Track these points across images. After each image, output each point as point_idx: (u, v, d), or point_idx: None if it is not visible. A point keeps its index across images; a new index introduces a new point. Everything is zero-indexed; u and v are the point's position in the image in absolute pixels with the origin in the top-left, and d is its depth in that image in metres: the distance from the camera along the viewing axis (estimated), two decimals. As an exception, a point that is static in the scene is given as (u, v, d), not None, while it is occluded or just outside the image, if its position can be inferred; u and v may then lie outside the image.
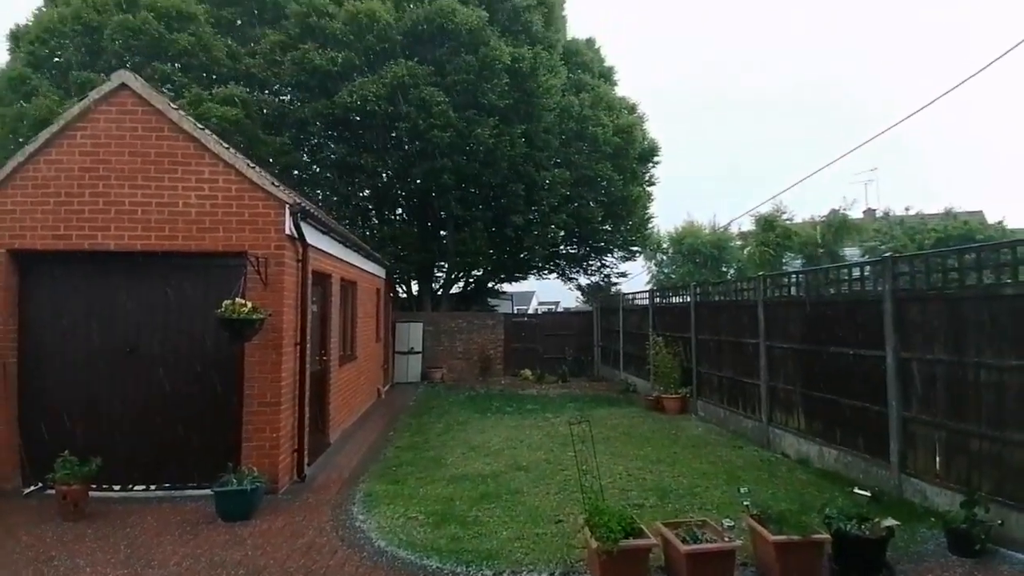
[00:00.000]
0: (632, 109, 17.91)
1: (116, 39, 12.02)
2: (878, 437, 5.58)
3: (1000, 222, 19.27)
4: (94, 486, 5.19)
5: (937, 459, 4.94)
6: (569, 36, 17.52)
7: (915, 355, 5.22)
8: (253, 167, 6.05)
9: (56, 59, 12.91)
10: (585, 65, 17.30)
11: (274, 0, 13.53)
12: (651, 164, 18.43)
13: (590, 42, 18.60)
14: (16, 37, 13.38)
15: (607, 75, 18.38)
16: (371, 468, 6.71)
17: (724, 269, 20.88)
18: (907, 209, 22.17)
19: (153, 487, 5.67)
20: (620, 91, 18.36)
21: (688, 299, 10.42)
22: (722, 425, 8.86)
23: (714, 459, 6.91)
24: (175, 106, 6.17)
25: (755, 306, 8.04)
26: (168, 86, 12.19)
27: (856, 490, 5.31)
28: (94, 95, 5.76)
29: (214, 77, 13.15)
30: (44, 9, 13.74)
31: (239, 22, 13.92)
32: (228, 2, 13.50)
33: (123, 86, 5.72)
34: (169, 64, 12.52)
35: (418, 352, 15.01)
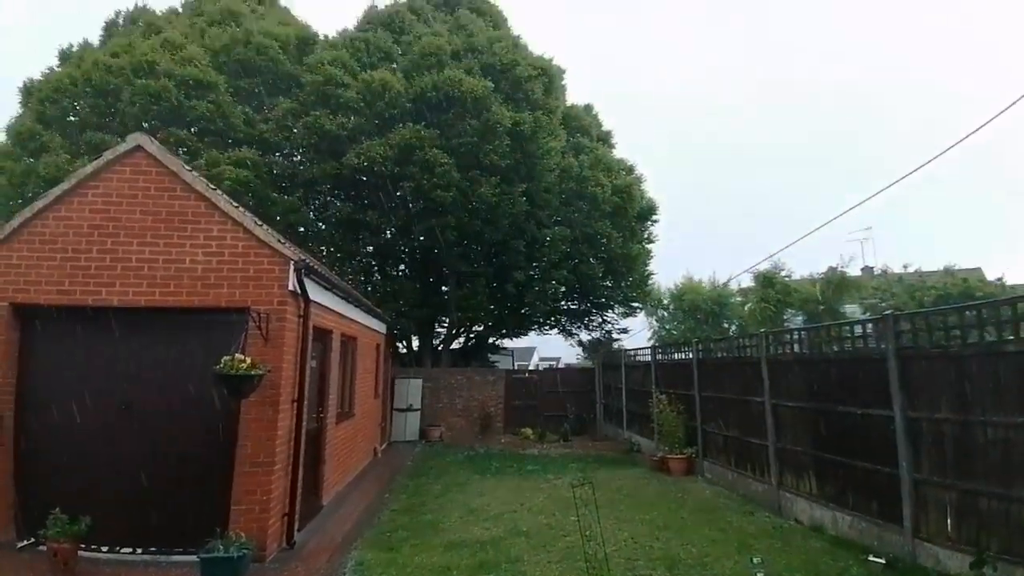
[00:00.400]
0: (630, 170, 18.48)
1: (135, 103, 12.58)
2: (890, 501, 5.39)
3: (999, 279, 19.41)
4: (83, 546, 5.04)
5: (948, 521, 4.81)
6: (568, 103, 18.37)
7: (923, 414, 5.14)
8: (260, 224, 6.18)
9: (70, 118, 13.43)
10: (584, 129, 18.03)
11: (289, 71, 14.30)
12: (650, 222, 18.82)
13: (588, 108, 19.47)
14: (28, 92, 13.86)
15: (605, 138, 19.11)
16: (365, 534, 6.42)
17: (725, 325, 20.86)
18: (905, 267, 22.40)
19: (140, 551, 5.42)
20: (618, 153, 19.03)
21: (691, 355, 10.32)
22: (731, 488, 8.54)
23: (724, 525, 6.61)
24: (188, 167, 6.39)
25: (759, 363, 7.95)
26: (182, 149, 12.66)
27: (871, 557, 5.07)
28: (108, 155, 5.96)
29: (229, 141, 13.69)
30: (58, 68, 14.45)
31: (257, 90, 14.68)
32: (247, 72, 14.27)
33: (138, 148, 5.93)
34: (185, 129, 13.06)
35: (417, 409, 14.73)
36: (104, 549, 5.38)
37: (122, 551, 5.42)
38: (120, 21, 16.22)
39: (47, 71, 14.40)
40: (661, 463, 9.99)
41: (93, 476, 5.52)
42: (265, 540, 5.36)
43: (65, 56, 14.98)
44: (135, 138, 6.01)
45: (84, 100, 13.18)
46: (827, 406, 6.47)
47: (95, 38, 15.83)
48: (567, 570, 5.09)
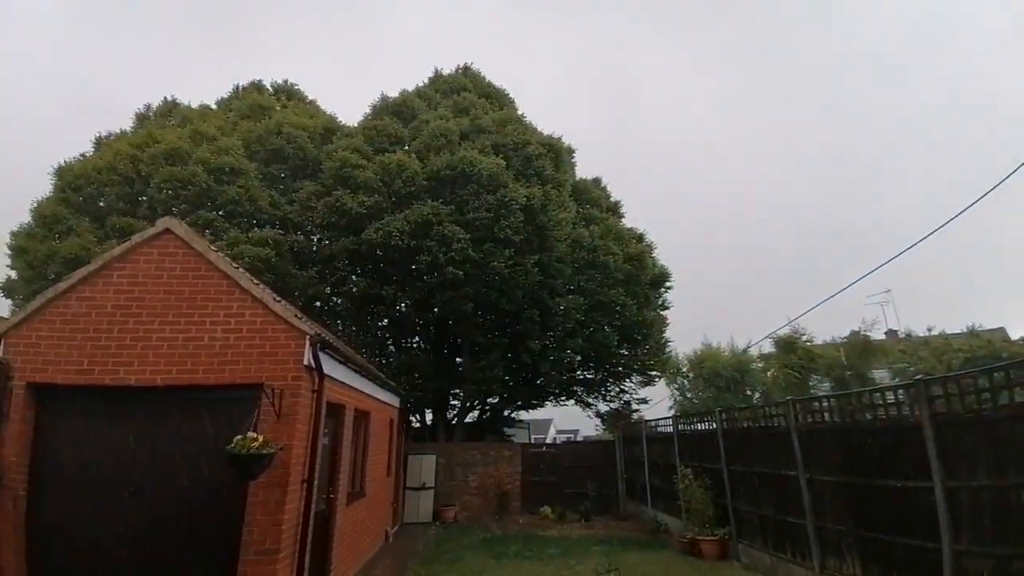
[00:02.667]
0: (640, 238, 18.76)
1: (165, 189, 13.29)
2: (936, 578, 4.97)
3: (1023, 338, 18.80)
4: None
5: None
6: (578, 176, 19.06)
7: (960, 483, 4.90)
8: (279, 300, 6.29)
9: (99, 203, 14.11)
10: (593, 201, 18.55)
11: (315, 157, 15.20)
12: (663, 288, 18.82)
13: (597, 181, 20.14)
14: (61, 174, 14.54)
15: (614, 209, 19.59)
16: (374, 629, 5.95)
17: (748, 393, 20.18)
18: (929, 329, 21.86)
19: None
20: (627, 222, 19.42)
21: (714, 425, 9.91)
22: (770, 574, 7.87)
23: (765, 617, 6.02)
24: (214, 248, 6.62)
25: (788, 433, 7.58)
26: (209, 231, 13.22)
27: None
28: (137, 238, 6.21)
29: (255, 222, 14.30)
30: (92, 152, 15.36)
31: (283, 175, 15.51)
32: (275, 159, 15.18)
33: (167, 231, 6.19)
34: (214, 212, 13.70)
35: (430, 488, 14.15)
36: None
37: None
38: (151, 114, 17.50)
39: (81, 156, 15.34)
40: (692, 545, 9.32)
41: (102, 559, 5.36)
42: (268, 637, 4.99)
43: (100, 143, 16.06)
44: (164, 222, 6.29)
45: (111, 187, 13.89)
46: (865, 479, 6.09)
47: (128, 127, 17.03)
48: (595, 672, 4.62)
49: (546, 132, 17.44)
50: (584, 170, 20.56)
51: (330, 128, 16.25)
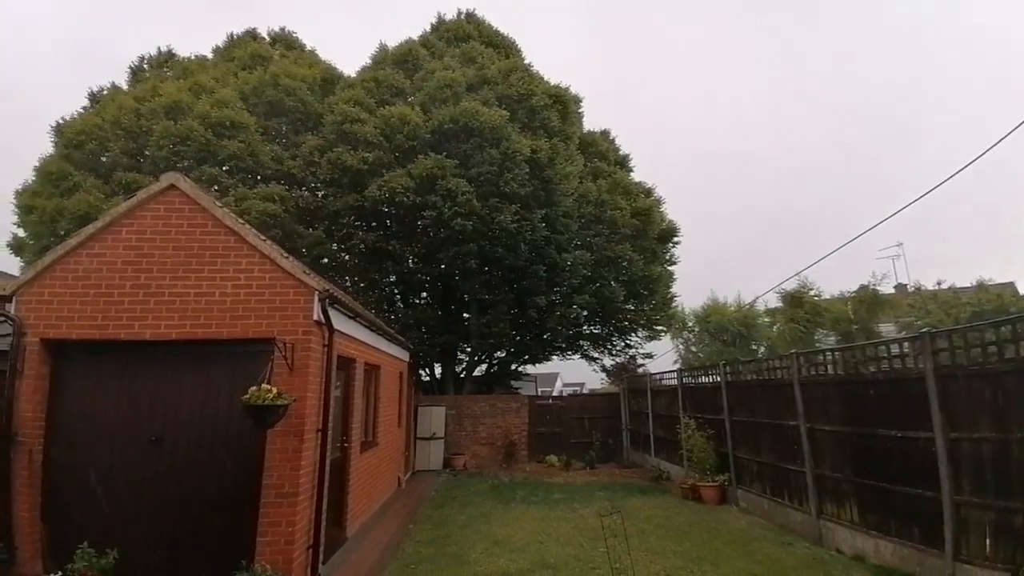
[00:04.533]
0: (648, 193, 18.48)
1: (164, 146, 13.13)
2: (932, 525, 5.19)
3: (1035, 292, 18.62)
4: (109, 580, 5.02)
5: (987, 541, 4.66)
6: (585, 129, 18.57)
7: (963, 434, 4.97)
8: (286, 257, 6.32)
9: (103, 159, 14.01)
10: (601, 154, 18.16)
11: (317, 110, 14.85)
12: (671, 244, 18.68)
13: (605, 133, 19.65)
14: (60, 131, 14.41)
15: (623, 163, 19.20)
16: (389, 566, 6.32)
17: (753, 347, 20.34)
18: (939, 283, 21.64)
19: (165, 585, 5.41)
20: (636, 176, 19.08)
21: (719, 379, 10.06)
22: (767, 517, 8.18)
23: (762, 557, 6.31)
24: (220, 204, 6.60)
25: (791, 385, 7.70)
26: (215, 187, 13.14)
27: None
28: (142, 194, 6.20)
29: (258, 178, 14.16)
30: (87, 108, 15.13)
31: (284, 129, 15.23)
32: (275, 113, 14.85)
33: (172, 186, 6.16)
34: (217, 167, 13.57)
35: (440, 438, 14.61)
36: (132, 582, 5.37)
37: (150, 585, 5.40)
38: (146, 66, 17.04)
39: (80, 111, 15.11)
40: (692, 491, 9.66)
41: (121, 509, 5.57)
42: (290, 573, 5.31)
43: (94, 98, 15.73)
44: (169, 177, 6.25)
45: (114, 142, 13.74)
46: (866, 429, 6.22)
47: (122, 80, 16.66)
48: (597, 605, 4.90)
49: (553, 82, 16.89)
50: (594, 122, 20.04)
51: (329, 78, 15.78)
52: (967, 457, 4.92)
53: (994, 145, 8.51)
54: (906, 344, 6.01)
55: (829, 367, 7.24)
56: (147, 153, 13.66)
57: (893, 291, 21.72)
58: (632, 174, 19.03)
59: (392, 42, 17.13)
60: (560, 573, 5.86)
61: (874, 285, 18.14)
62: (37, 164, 14.19)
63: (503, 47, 17.44)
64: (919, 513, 5.39)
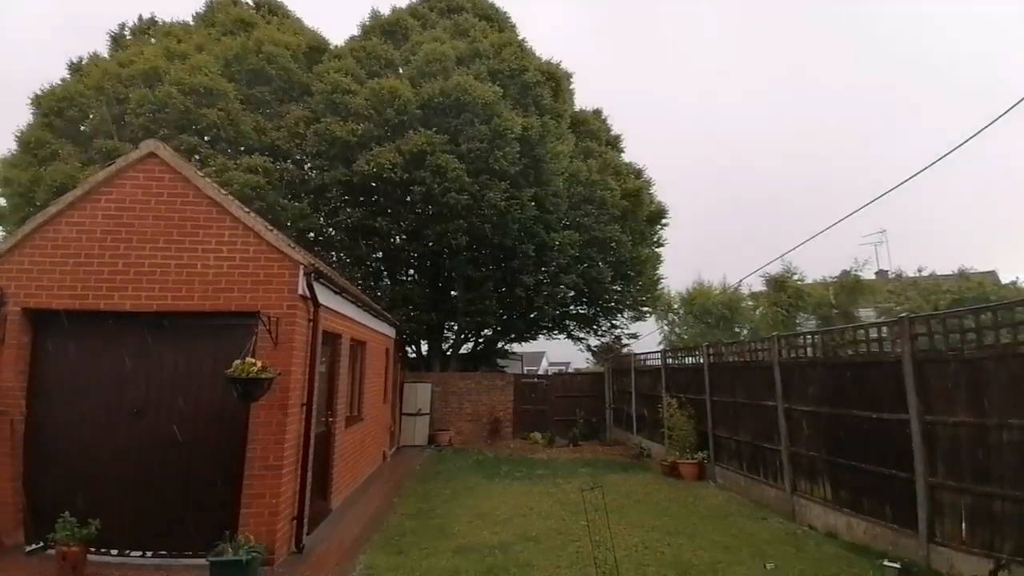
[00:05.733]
0: (639, 174, 18.44)
1: (141, 113, 12.75)
2: (905, 506, 5.33)
3: (1014, 281, 19.05)
4: (93, 549, 5.06)
5: (963, 525, 4.77)
6: (577, 107, 18.38)
7: (938, 418, 5.07)
8: (271, 230, 6.23)
9: (81, 127, 13.61)
10: (592, 133, 18.02)
11: (301, 80, 14.45)
12: (659, 226, 18.74)
13: (597, 112, 19.47)
14: (40, 102, 13.96)
15: (614, 143, 19.09)
16: (373, 538, 6.41)
17: (737, 330, 20.63)
18: (920, 270, 22.03)
19: (150, 554, 5.45)
20: (627, 157, 19.00)
21: (701, 360, 10.23)
22: (743, 493, 8.42)
23: (736, 531, 6.51)
24: (201, 174, 6.46)
25: (771, 367, 7.85)
26: (195, 157, 12.83)
27: (886, 563, 4.98)
28: (122, 161, 6.04)
29: (241, 149, 13.83)
30: (68, 77, 14.64)
31: (268, 98, 14.84)
32: (258, 81, 14.43)
33: (152, 154, 6.01)
34: (196, 137, 13.21)
35: (426, 414, 14.72)
36: (114, 552, 5.39)
37: (131, 555, 5.44)
38: (127, 33, 16.43)
39: (59, 82, 14.60)
40: (672, 468, 9.89)
41: (103, 480, 5.55)
42: (274, 544, 5.37)
43: (75, 68, 15.19)
44: (148, 145, 6.09)
45: (95, 109, 13.33)
46: (842, 410, 6.38)
47: (104, 51, 16.07)
48: (577, 575, 5.04)
49: (544, 58, 16.62)
50: (585, 101, 19.82)
51: (315, 47, 15.33)
52: (942, 441, 5.01)
53: (974, 135, 8.60)
54: (884, 328, 6.14)
55: (809, 350, 7.38)
56: (126, 121, 13.27)
57: (874, 277, 22.08)
58: (623, 155, 18.96)
59: (382, 10, 16.68)
60: (542, 545, 6.00)
61: (856, 271, 18.42)
62: (17, 135, 13.80)
63: (496, 20, 17.09)
64: (893, 493, 5.53)
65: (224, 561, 4.72)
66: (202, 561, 4.93)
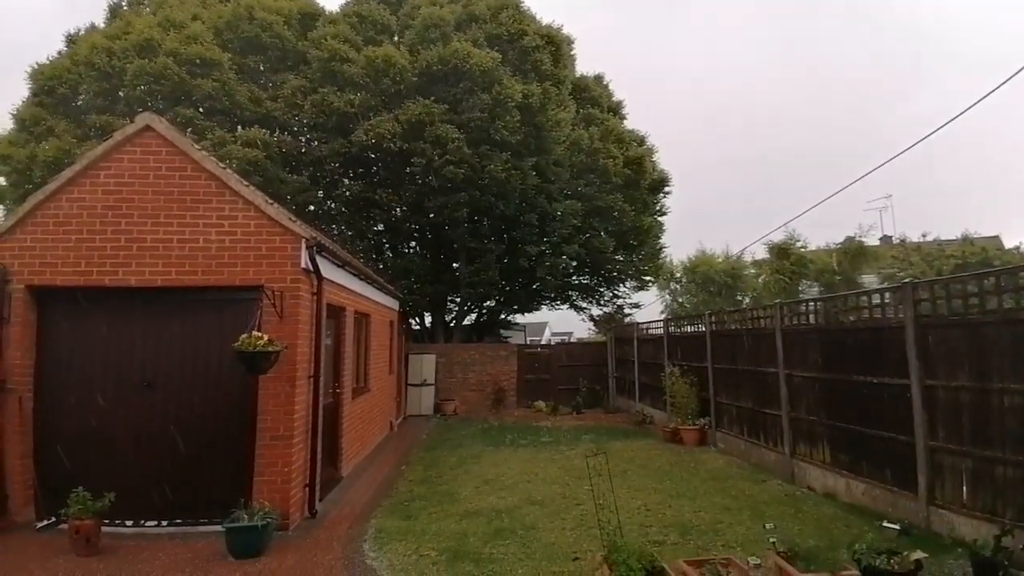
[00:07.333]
0: (641, 141, 18.16)
1: (137, 85, 12.53)
2: (905, 468, 5.41)
3: (1018, 246, 18.99)
4: (107, 521, 5.15)
5: (964, 488, 4.82)
6: (578, 73, 17.97)
7: (940, 382, 5.10)
8: (271, 203, 6.20)
9: (74, 103, 13.43)
10: (594, 100, 17.67)
11: (296, 47, 14.11)
12: (662, 194, 18.56)
13: (598, 78, 19.05)
14: (35, 77, 13.79)
15: (616, 109, 18.73)
16: (383, 503, 6.60)
17: (739, 298, 20.68)
18: (924, 236, 21.91)
19: (165, 523, 5.62)
20: (629, 124, 18.68)
21: (703, 328, 10.28)
22: (743, 457, 8.59)
23: (736, 493, 6.67)
24: (198, 147, 6.39)
25: (773, 334, 7.90)
26: (190, 129, 12.66)
27: (885, 523, 5.10)
28: (118, 136, 5.97)
29: (236, 120, 13.63)
30: (63, 51, 14.37)
31: (262, 68, 14.53)
32: (252, 50, 14.11)
33: (148, 128, 5.94)
34: (192, 108, 13.01)
35: (431, 384, 14.93)
36: (128, 524, 5.53)
37: (146, 524, 5.59)
38: (124, 3, 16.04)
39: (56, 55, 14.34)
40: (673, 434, 10.06)
41: (115, 454, 5.65)
42: (288, 509, 5.54)
43: (72, 40, 14.92)
44: (144, 118, 6.01)
45: (88, 84, 13.12)
46: (843, 376, 6.44)
47: (101, 21, 15.71)
48: (581, 537, 5.20)
49: (544, 21, 16.15)
50: (586, 65, 19.36)
51: (308, 13, 14.93)
52: (943, 405, 5.05)
53: (980, 100, 8.41)
54: (887, 294, 6.14)
55: (811, 317, 7.41)
56: (120, 94, 13.06)
57: (879, 243, 21.98)
58: (625, 122, 18.63)
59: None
60: (547, 509, 6.17)
61: (860, 237, 18.34)
62: (13, 112, 13.64)
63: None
64: (892, 456, 5.61)
65: (240, 527, 4.87)
66: (218, 528, 5.10)
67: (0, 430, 5.55)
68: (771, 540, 4.04)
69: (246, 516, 4.95)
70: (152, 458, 5.68)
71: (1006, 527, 4.08)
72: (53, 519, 5.50)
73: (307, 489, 5.99)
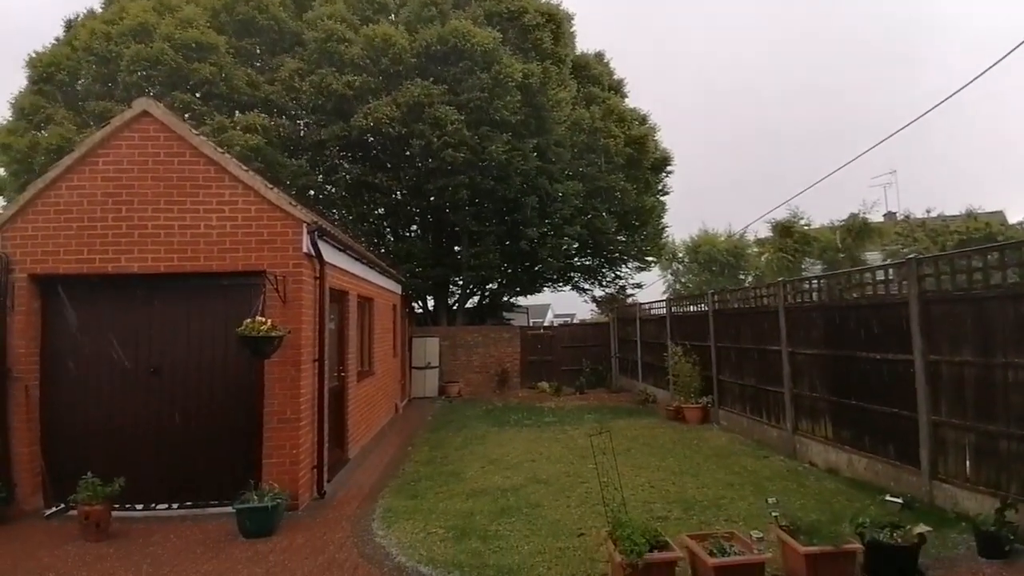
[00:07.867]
0: (643, 120, 17.94)
1: (134, 70, 12.40)
2: (908, 443, 5.44)
3: (1022, 221, 18.81)
4: (116, 506, 5.22)
5: (967, 463, 4.84)
6: (578, 51, 17.68)
7: (943, 358, 5.10)
8: (271, 188, 6.17)
9: (71, 89, 13.31)
10: (595, 79, 17.42)
11: (292, 29, 13.89)
12: (664, 174, 18.40)
13: (599, 56, 18.75)
14: (33, 64, 13.69)
15: (617, 88, 18.47)
16: (390, 483, 6.69)
17: (742, 276, 20.65)
18: (928, 211, 21.69)
19: (175, 505, 5.72)
20: (631, 102, 18.43)
21: (706, 307, 10.28)
22: (746, 434, 8.67)
23: (739, 469, 6.75)
24: (196, 132, 6.34)
25: (776, 312, 7.90)
26: (188, 114, 12.54)
27: (888, 498, 5.14)
28: (116, 122, 5.93)
29: (234, 105, 13.49)
30: (60, 37, 14.20)
31: (258, 51, 14.32)
32: (248, 32, 13.89)
33: (145, 113, 5.89)
34: (189, 93, 12.87)
35: (435, 367, 15.02)
36: (139, 507, 5.61)
37: (157, 508, 5.68)
38: None
39: (54, 41, 14.19)
40: (676, 412, 10.14)
41: (123, 440, 5.70)
42: (297, 490, 5.63)
43: (70, 26, 14.73)
44: (141, 103, 5.96)
45: (85, 70, 13.00)
46: (846, 352, 6.45)
47: (99, 6, 15.45)
48: (586, 513, 5.27)
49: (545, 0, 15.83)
50: (586, 43, 19.02)
51: None
52: (946, 380, 5.06)
53: (978, 76, 8.26)
54: (891, 271, 6.11)
55: (814, 294, 7.40)
56: (118, 80, 12.93)
57: (883, 219, 21.81)
58: (626, 100, 18.39)
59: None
60: (552, 487, 6.25)
61: (864, 213, 18.19)
62: (12, 101, 13.54)
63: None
64: (895, 432, 5.65)
65: (251, 507, 4.96)
66: (228, 509, 5.19)
67: (6, 419, 5.60)
68: (773, 514, 4.09)
69: (256, 497, 5.03)
70: (161, 443, 5.75)
71: (1009, 500, 4.11)
72: (61, 506, 5.54)
73: (315, 471, 6.08)
